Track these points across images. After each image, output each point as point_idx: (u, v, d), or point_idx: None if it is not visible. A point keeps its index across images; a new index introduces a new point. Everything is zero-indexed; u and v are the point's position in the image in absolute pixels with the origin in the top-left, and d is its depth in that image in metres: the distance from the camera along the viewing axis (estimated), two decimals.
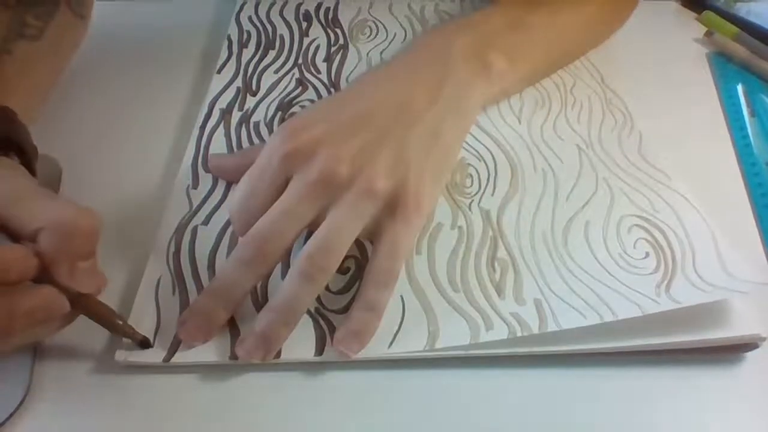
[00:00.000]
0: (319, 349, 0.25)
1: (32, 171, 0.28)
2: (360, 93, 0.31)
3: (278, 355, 0.25)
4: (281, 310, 0.25)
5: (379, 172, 0.26)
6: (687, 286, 0.27)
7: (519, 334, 0.25)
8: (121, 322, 0.25)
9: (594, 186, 0.32)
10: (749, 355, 0.26)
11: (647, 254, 0.29)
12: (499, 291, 0.27)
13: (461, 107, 0.31)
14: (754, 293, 0.26)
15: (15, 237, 0.23)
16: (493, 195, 0.32)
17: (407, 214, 0.26)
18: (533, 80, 0.38)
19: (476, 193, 0.32)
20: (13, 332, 0.22)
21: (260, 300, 0.27)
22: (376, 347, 0.25)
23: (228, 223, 0.30)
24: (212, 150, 0.34)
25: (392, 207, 0.26)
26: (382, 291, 0.26)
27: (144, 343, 0.25)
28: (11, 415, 0.24)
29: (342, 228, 0.26)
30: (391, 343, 0.25)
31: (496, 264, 0.28)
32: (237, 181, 0.28)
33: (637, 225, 0.30)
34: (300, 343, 0.25)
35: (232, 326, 0.26)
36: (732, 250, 0.28)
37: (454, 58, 0.32)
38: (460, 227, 0.30)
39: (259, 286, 0.28)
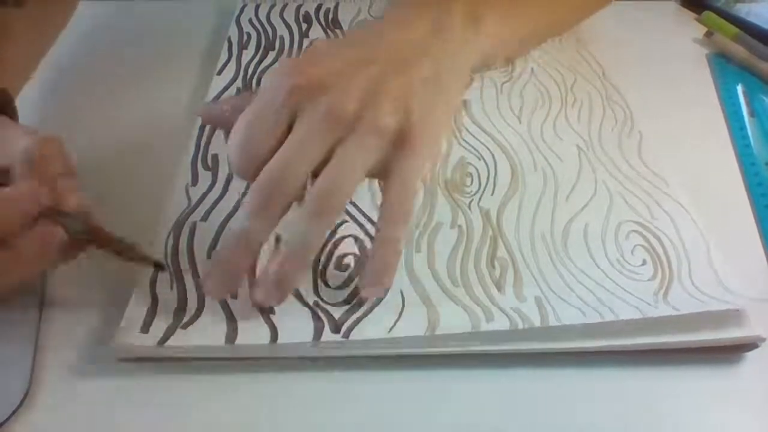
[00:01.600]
0: (317, 335, 0.25)
1: None
2: (364, 35, 0.30)
3: (275, 338, 0.25)
4: (294, 251, 0.25)
5: (385, 110, 0.26)
6: (684, 295, 0.27)
7: (520, 326, 0.25)
8: (135, 250, 0.26)
9: (593, 188, 0.32)
10: (749, 355, 0.26)
11: (644, 261, 0.28)
12: (499, 287, 0.27)
13: (460, 57, 0.31)
14: (750, 304, 0.26)
15: None
16: (492, 194, 0.32)
17: (414, 150, 0.26)
18: (528, 44, 0.38)
19: (476, 193, 0.32)
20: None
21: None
22: (375, 332, 0.25)
23: (227, 219, 0.30)
24: (212, 151, 0.34)
25: (400, 144, 0.26)
26: (397, 227, 0.26)
27: (158, 265, 0.27)
28: (12, 414, 0.23)
29: (350, 166, 0.25)
30: (390, 330, 0.25)
31: (495, 263, 0.28)
32: (229, 127, 0.27)
33: (635, 231, 0.30)
34: (297, 329, 0.25)
35: (229, 315, 0.26)
36: (727, 264, 0.28)
37: (450, 15, 0.32)
38: (459, 226, 0.30)
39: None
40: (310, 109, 0.25)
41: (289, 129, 0.25)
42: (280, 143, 0.25)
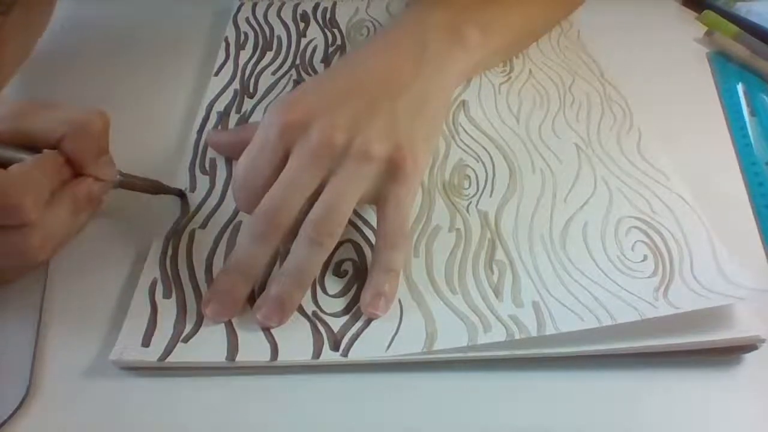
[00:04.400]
0: (317, 353, 0.25)
1: None
2: (347, 68, 0.32)
3: (275, 356, 0.25)
4: (294, 275, 0.26)
5: (373, 138, 0.27)
6: (685, 290, 0.26)
7: (517, 336, 0.25)
8: (155, 185, 0.31)
9: (592, 186, 0.32)
10: (748, 356, 0.26)
11: (645, 257, 0.28)
12: (497, 293, 0.27)
13: (442, 78, 0.32)
14: (753, 295, 0.26)
15: (33, 149, 0.26)
16: (491, 197, 0.32)
17: (406, 175, 0.27)
18: (511, 51, 0.40)
19: (474, 195, 0.32)
20: (80, 213, 0.27)
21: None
22: (373, 350, 0.25)
23: (225, 227, 0.30)
24: (209, 153, 0.34)
25: (391, 170, 0.27)
26: (395, 251, 0.27)
27: (181, 194, 0.31)
28: (11, 415, 0.23)
29: (343, 193, 0.27)
30: (388, 346, 0.25)
31: (494, 266, 0.28)
32: (234, 156, 0.29)
33: (635, 227, 0.30)
34: (297, 346, 0.25)
35: (230, 329, 0.26)
36: (730, 254, 0.28)
37: (432, 32, 0.33)
38: (458, 229, 0.30)
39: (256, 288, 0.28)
40: (301, 143, 0.27)
41: (285, 165, 0.27)
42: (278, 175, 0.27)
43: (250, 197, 0.27)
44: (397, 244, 0.27)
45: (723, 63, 0.42)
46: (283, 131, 0.27)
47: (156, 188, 0.31)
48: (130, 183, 0.30)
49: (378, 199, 0.28)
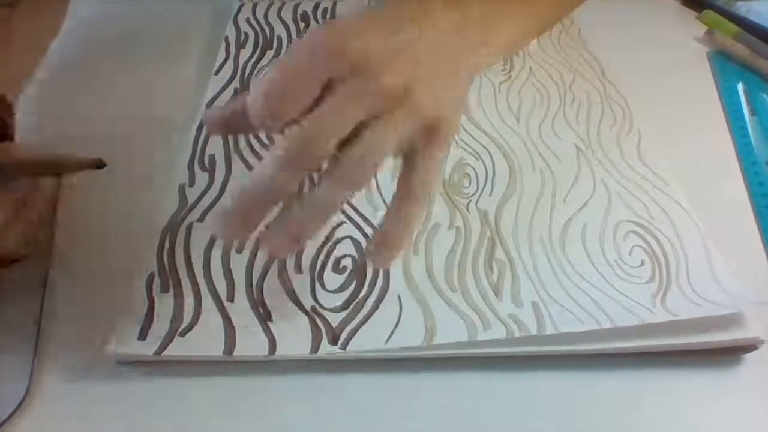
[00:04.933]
0: (315, 347, 0.25)
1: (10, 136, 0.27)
2: (398, 22, 0.28)
3: (273, 351, 0.25)
4: (314, 207, 0.24)
5: (426, 100, 0.26)
6: (682, 298, 0.26)
7: (517, 334, 0.25)
8: (67, 161, 0.26)
9: (592, 188, 0.32)
10: (748, 356, 0.26)
11: (642, 262, 0.28)
12: (497, 292, 0.27)
13: (475, 62, 0.31)
14: (750, 307, 0.26)
15: None
16: (491, 195, 0.32)
17: (440, 138, 0.26)
18: (512, 49, 0.38)
19: (474, 194, 0.32)
20: None
21: (255, 295, 0.27)
22: (372, 342, 0.25)
23: None
24: (209, 151, 0.34)
25: (430, 132, 0.26)
26: (416, 205, 0.25)
27: (99, 164, 0.26)
28: (11, 415, 0.24)
29: (385, 139, 0.25)
30: (388, 340, 0.25)
31: (493, 264, 0.28)
32: (230, 132, 0.27)
33: (633, 231, 0.30)
34: (295, 340, 0.25)
35: (227, 323, 0.26)
36: (725, 261, 0.28)
37: (471, 20, 0.31)
38: (457, 228, 0.30)
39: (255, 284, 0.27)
40: (358, 77, 0.24)
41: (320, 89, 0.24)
42: (313, 95, 0.24)
43: (271, 107, 0.24)
44: (419, 197, 0.25)
45: (723, 62, 0.42)
46: (332, 54, 0.24)
47: (62, 165, 0.26)
48: (24, 165, 0.25)
49: (409, 153, 0.26)
